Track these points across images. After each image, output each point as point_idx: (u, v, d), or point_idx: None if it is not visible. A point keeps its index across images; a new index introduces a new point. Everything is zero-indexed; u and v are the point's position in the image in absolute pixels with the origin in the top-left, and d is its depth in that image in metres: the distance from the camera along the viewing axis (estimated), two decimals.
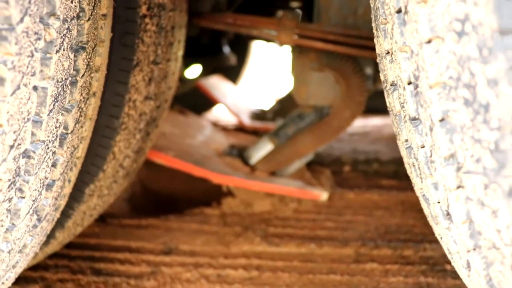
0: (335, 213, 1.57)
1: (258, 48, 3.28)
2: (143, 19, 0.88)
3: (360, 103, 1.55)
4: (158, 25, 0.92)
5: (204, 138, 1.98)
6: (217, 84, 2.66)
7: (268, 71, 4.27)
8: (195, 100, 2.62)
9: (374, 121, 2.91)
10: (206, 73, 2.55)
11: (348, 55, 1.49)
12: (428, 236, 1.39)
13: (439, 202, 0.49)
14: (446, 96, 0.39)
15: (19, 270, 0.72)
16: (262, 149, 1.69)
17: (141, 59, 0.90)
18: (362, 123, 2.85)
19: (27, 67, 0.48)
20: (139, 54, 0.89)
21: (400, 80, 0.51)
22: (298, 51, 1.56)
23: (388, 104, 0.63)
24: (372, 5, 0.62)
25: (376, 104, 2.40)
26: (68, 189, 0.74)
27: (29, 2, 0.46)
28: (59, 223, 1.00)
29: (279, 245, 1.33)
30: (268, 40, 1.79)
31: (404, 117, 0.53)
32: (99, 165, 0.94)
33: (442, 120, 0.41)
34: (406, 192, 1.71)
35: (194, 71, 2.47)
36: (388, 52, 0.54)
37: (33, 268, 1.20)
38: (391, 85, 0.56)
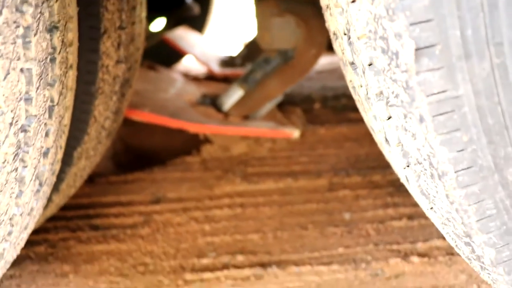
0: (308, 148, 1.69)
1: None
2: None
3: (322, 44, 1.63)
4: None
5: (176, 91, 2.03)
6: (183, 35, 2.66)
7: (233, 16, 4.23)
8: (163, 53, 2.63)
9: None
10: (171, 25, 2.55)
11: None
12: None
13: (379, 131, 0.60)
14: (370, 46, 0.47)
15: (29, 231, 0.81)
16: (233, 96, 1.77)
17: (107, 26, 0.95)
18: (329, 60, 2.91)
19: (13, 53, 0.54)
20: (105, 22, 0.94)
21: (338, 31, 0.59)
22: None
23: (334, 50, 0.72)
24: None
25: None
26: (60, 155, 0.82)
27: None
28: (55, 187, 1.08)
29: (258, 182, 1.45)
30: None
31: (345, 62, 0.62)
32: (83, 129, 1.02)
33: (370, 64, 0.50)
34: None
35: (158, 24, 2.47)
36: (327, 6, 0.62)
37: (35, 232, 1.29)
38: (333, 34, 0.65)
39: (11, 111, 0.56)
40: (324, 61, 2.79)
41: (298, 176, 1.48)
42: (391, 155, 0.61)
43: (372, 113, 0.59)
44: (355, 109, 2.15)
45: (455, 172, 0.47)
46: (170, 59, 2.69)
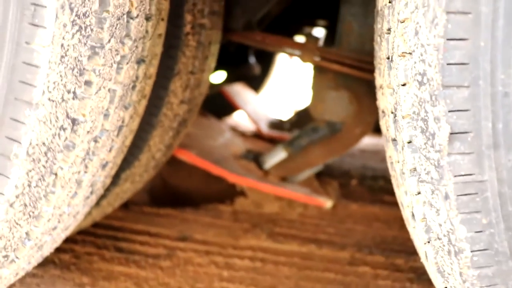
0: (337, 220, 1.71)
1: (282, 61, 3.40)
2: (187, 36, 1.04)
3: (370, 123, 1.70)
4: (198, 41, 1.09)
5: (224, 141, 2.13)
6: (240, 91, 2.78)
7: (289, 83, 4.40)
8: (217, 104, 2.75)
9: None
10: (230, 80, 2.70)
11: (363, 78, 1.64)
12: None
13: (408, 206, 0.64)
14: (411, 125, 0.54)
15: (67, 233, 0.88)
16: (276, 156, 1.83)
17: (181, 69, 1.07)
18: (375, 142, 2.96)
19: (107, 74, 0.64)
20: (180, 65, 1.06)
21: (387, 109, 0.66)
22: (318, 70, 1.71)
23: (380, 127, 0.78)
24: (375, 48, 0.77)
25: None
26: (114, 170, 0.90)
27: (115, 28, 0.62)
28: (96, 202, 1.16)
29: (283, 243, 1.48)
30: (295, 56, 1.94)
31: (388, 138, 0.68)
32: (136, 155, 1.11)
33: (409, 142, 0.55)
34: None
35: (218, 76, 2.62)
36: (381, 86, 0.69)
37: (64, 239, 1.37)
38: (382, 112, 0.71)
39: (91, 121, 0.65)
40: (369, 141, 2.84)
41: (322, 244, 1.50)
42: (415, 230, 0.65)
43: (404, 188, 0.64)
44: (390, 193, 2.16)
45: (471, 251, 0.50)
46: (223, 111, 2.82)
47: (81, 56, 0.58)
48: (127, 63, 0.68)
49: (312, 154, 1.78)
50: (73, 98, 0.59)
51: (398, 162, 0.64)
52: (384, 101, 0.67)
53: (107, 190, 1.14)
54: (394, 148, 0.64)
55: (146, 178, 1.27)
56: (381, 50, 0.66)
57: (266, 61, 3.02)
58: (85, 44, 0.58)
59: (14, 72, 0.56)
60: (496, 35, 0.47)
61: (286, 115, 2.89)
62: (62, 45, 0.56)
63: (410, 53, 0.52)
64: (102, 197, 1.16)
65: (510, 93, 0.47)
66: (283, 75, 4.09)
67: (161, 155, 1.21)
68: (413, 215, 0.63)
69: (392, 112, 0.63)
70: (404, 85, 0.54)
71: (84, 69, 0.59)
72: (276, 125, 2.66)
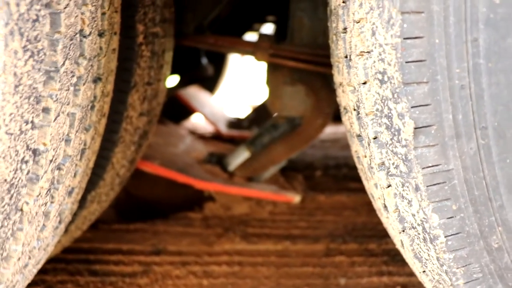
0: (307, 214, 1.74)
1: (234, 59, 3.40)
2: (140, 46, 1.02)
3: (329, 114, 1.73)
4: (152, 51, 1.07)
5: (185, 147, 2.10)
6: (195, 94, 2.76)
7: (243, 80, 4.41)
8: (173, 109, 2.71)
9: (344, 129, 3.07)
10: (184, 83, 2.67)
11: (318, 72, 1.66)
12: None
13: (379, 198, 0.66)
14: (376, 122, 0.55)
15: (39, 267, 0.85)
16: (239, 157, 1.83)
17: (137, 81, 1.05)
18: (333, 130, 3.01)
19: (65, 98, 0.62)
20: (136, 77, 1.04)
21: (349, 106, 0.67)
22: (273, 67, 1.72)
23: (343, 122, 0.80)
24: (330, 45, 0.78)
25: None
26: (80, 195, 0.88)
27: (69, 48, 0.60)
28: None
29: (257, 243, 1.49)
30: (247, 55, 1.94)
31: (353, 133, 0.69)
32: (100, 174, 1.08)
33: (375, 138, 0.57)
34: None
35: (172, 81, 2.58)
36: (341, 84, 0.71)
37: None
38: (344, 108, 0.73)
39: (54, 149, 0.63)
40: (328, 130, 2.90)
41: (296, 239, 1.52)
42: (388, 220, 0.67)
43: (373, 182, 0.66)
44: (355, 179, 2.23)
45: (445, 236, 0.53)
46: (180, 115, 2.79)
47: (36, 83, 0.56)
48: (84, 84, 0.66)
49: (275, 151, 1.79)
50: (32, 128, 0.57)
51: (365, 157, 0.65)
52: (345, 98, 0.69)
53: (74, 214, 1.10)
54: (359, 144, 0.66)
55: (112, 196, 1.24)
56: (338, 49, 0.67)
57: (219, 61, 3.01)
58: (39, 69, 0.56)
59: None
60: (449, 32, 0.49)
61: (243, 113, 2.89)
62: (15, 74, 0.54)
63: (368, 52, 0.53)
64: (70, 222, 1.12)
65: (466, 85, 0.49)
66: (236, 72, 4.09)
67: (125, 171, 1.19)
68: (385, 206, 0.64)
69: (354, 109, 0.64)
70: (365, 83, 0.56)
71: (40, 96, 0.57)
72: (235, 124, 2.65)
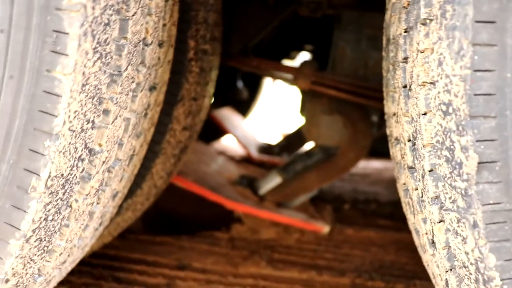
0: (334, 245, 1.71)
1: (269, 85, 3.43)
2: (190, 62, 1.05)
3: (365, 147, 1.71)
4: (200, 67, 1.09)
5: (217, 167, 2.11)
6: (228, 116, 2.79)
7: (276, 107, 4.44)
8: (206, 129, 2.73)
9: (375, 164, 3.03)
10: (218, 104, 2.71)
11: (356, 103, 1.66)
12: (418, 274, 1.52)
13: (426, 233, 0.64)
14: (434, 154, 0.54)
15: (74, 265, 0.85)
16: (271, 182, 1.83)
17: (184, 95, 1.07)
18: (364, 165, 2.97)
19: (123, 102, 0.64)
20: (184, 91, 1.06)
21: (402, 137, 0.66)
22: (312, 95, 1.72)
23: (391, 154, 0.79)
24: (384, 75, 0.78)
25: (377, 148, 2.53)
26: (121, 200, 0.89)
27: (132, 55, 0.62)
28: None
29: (283, 270, 1.46)
30: (286, 81, 1.96)
31: (404, 165, 0.68)
32: (139, 183, 1.09)
33: (431, 170, 0.56)
34: (401, 232, 1.84)
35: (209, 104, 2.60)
36: (394, 114, 0.70)
37: None
38: (395, 139, 0.72)
39: (107, 151, 0.64)
40: (359, 164, 2.86)
41: (322, 270, 1.49)
42: (433, 258, 0.65)
43: (421, 216, 0.64)
44: (383, 216, 2.18)
45: (501, 280, 0.50)
46: (210, 136, 2.81)
47: (100, 84, 0.58)
48: (141, 91, 0.67)
49: (307, 179, 1.78)
50: (92, 128, 0.58)
51: (416, 189, 0.64)
52: (398, 129, 0.68)
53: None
54: (411, 176, 0.64)
55: (146, 206, 1.25)
56: (396, 79, 0.67)
57: (254, 85, 3.04)
58: (104, 72, 0.57)
59: (34, 101, 0.55)
60: None
61: (274, 139, 2.89)
62: (83, 73, 0.55)
63: (432, 83, 0.52)
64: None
65: None
66: (270, 99, 4.12)
67: (162, 182, 1.20)
68: (432, 242, 0.62)
69: (409, 140, 0.63)
70: (425, 114, 0.55)
71: (103, 97, 0.58)
72: (266, 149, 2.66)
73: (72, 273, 1.34)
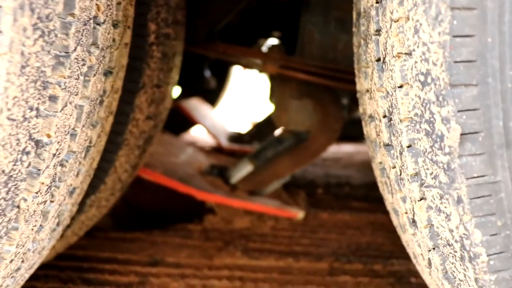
0: (310, 231, 1.68)
1: (236, 73, 3.39)
2: (151, 46, 0.98)
3: (336, 130, 1.69)
4: (162, 52, 1.03)
5: (186, 158, 2.06)
6: (196, 106, 2.73)
7: (245, 95, 4.40)
8: (174, 120, 2.67)
9: (346, 148, 3.04)
10: (186, 94, 2.64)
11: (326, 86, 1.63)
12: (395, 253, 1.52)
13: (406, 213, 0.61)
14: (412, 128, 0.51)
15: (31, 272, 0.79)
16: (242, 170, 1.79)
17: (146, 82, 1.00)
18: (335, 149, 2.98)
19: (74, 88, 0.57)
20: (145, 78, 0.99)
21: (377, 114, 0.63)
22: (280, 80, 1.68)
23: (365, 133, 0.75)
24: (355, 51, 0.74)
25: (348, 132, 2.52)
26: (81, 197, 0.82)
27: (81, 34, 0.56)
28: None
29: (259, 258, 1.43)
30: (254, 68, 1.92)
31: (379, 143, 0.65)
32: (101, 178, 1.03)
33: (409, 146, 0.52)
34: (375, 214, 1.84)
35: (174, 92, 2.54)
36: (368, 90, 0.66)
37: None
38: (369, 117, 0.68)
39: (58, 142, 0.58)
40: (330, 149, 2.85)
41: (299, 256, 1.46)
42: (414, 237, 0.62)
43: (400, 195, 0.61)
44: (357, 198, 2.17)
45: (487, 255, 0.48)
46: (180, 127, 2.75)
47: (44, 66, 0.51)
48: (95, 75, 0.61)
49: (279, 165, 1.75)
50: (36, 116, 0.52)
51: (394, 167, 0.61)
52: (372, 105, 0.64)
53: (72, 218, 1.04)
54: (387, 154, 0.61)
55: (112, 202, 1.18)
56: (368, 53, 0.63)
57: (222, 74, 2.99)
58: (48, 52, 0.51)
59: None
60: (503, 30, 0.45)
61: (244, 128, 2.86)
62: (22, 53, 0.49)
63: (408, 53, 0.49)
64: (66, 226, 1.06)
65: None
66: (238, 87, 4.08)
67: (127, 176, 1.14)
68: (413, 221, 0.59)
69: (384, 116, 0.60)
70: (401, 86, 0.52)
71: (48, 81, 0.52)
72: (236, 138, 2.62)
73: (37, 278, 1.27)
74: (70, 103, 0.58)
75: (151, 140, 1.18)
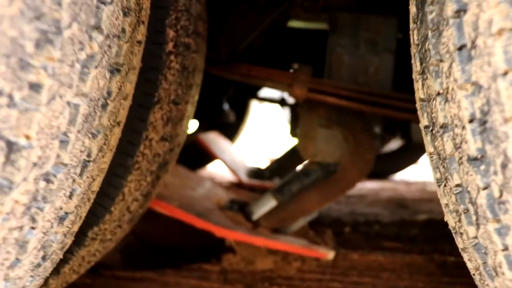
0: (340, 273, 1.51)
1: (256, 107, 3.33)
2: (169, 56, 0.86)
3: (369, 161, 1.53)
4: (181, 64, 0.91)
5: (204, 191, 1.93)
6: (215, 140, 2.66)
7: (264, 131, 4.31)
8: (191, 154, 2.59)
9: (370, 185, 2.93)
10: (203, 128, 2.55)
11: (357, 113, 1.49)
12: None
13: (505, 249, 0.45)
14: None
15: None
16: (265, 205, 1.64)
17: (162, 97, 0.88)
18: (359, 186, 2.82)
19: (66, 76, 0.44)
20: (161, 91, 0.87)
21: (458, 119, 0.48)
22: (307, 107, 1.56)
23: (431, 149, 0.60)
24: (415, 51, 0.60)
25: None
26: (77, 226, 0.68)
27: (80, 9, 0.43)
28: (55, 268, 0.92)
29: None
30: (281, 90, 1.79)
31: (460, 158, 0.49)
32: (107, 206, 0.89)
33: None
34: (411, 255, 1.67)
35: (191, 125, 2.46)
36: (440, 93, 0.52)
37: None
38: (440, 127, 0.53)
39: (41, 148, 0.44)
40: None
41: None
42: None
43: (496, 226, 0.45)
44: (389, 238, 1.99)
45: None
46: (196, 162, 2.65)
47: (23, 38, 0.38)
48: (96, 67, 0.48)
49: (306, 200, 1.59)
50: (9, 106, 0.38)
51: (487, 188, 0.45)
52: (450, 110, 0.50)
53: (69, 252, 0.90)
54: (475, 171, 0.46)
55: (119, 236, 1.03)
56: (443, 43, 0.49)
57: (241, 108, 2.92)
58: (30, 21, 0.38)
59: None
60: None
61: (263, 163, 2.76)
62: None
63: None
64: (63, 262, 0.91)
65: None
66: (258, 123, 4.00)
67: (137, 206, 0.99)
68: None
69: (472, 120, 0.45)
70: (505, 73, 0.37)
71: (27, 62, 0.39)
72: (256, 173, 2.53)
73: None
74: (60, 97, 0.44)
75: (166, 166, 1.04)
